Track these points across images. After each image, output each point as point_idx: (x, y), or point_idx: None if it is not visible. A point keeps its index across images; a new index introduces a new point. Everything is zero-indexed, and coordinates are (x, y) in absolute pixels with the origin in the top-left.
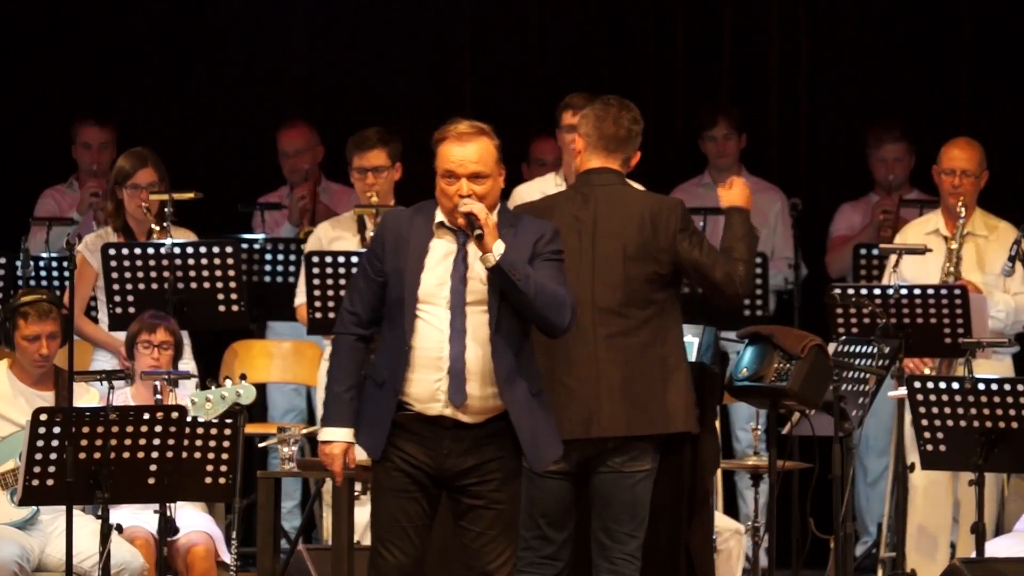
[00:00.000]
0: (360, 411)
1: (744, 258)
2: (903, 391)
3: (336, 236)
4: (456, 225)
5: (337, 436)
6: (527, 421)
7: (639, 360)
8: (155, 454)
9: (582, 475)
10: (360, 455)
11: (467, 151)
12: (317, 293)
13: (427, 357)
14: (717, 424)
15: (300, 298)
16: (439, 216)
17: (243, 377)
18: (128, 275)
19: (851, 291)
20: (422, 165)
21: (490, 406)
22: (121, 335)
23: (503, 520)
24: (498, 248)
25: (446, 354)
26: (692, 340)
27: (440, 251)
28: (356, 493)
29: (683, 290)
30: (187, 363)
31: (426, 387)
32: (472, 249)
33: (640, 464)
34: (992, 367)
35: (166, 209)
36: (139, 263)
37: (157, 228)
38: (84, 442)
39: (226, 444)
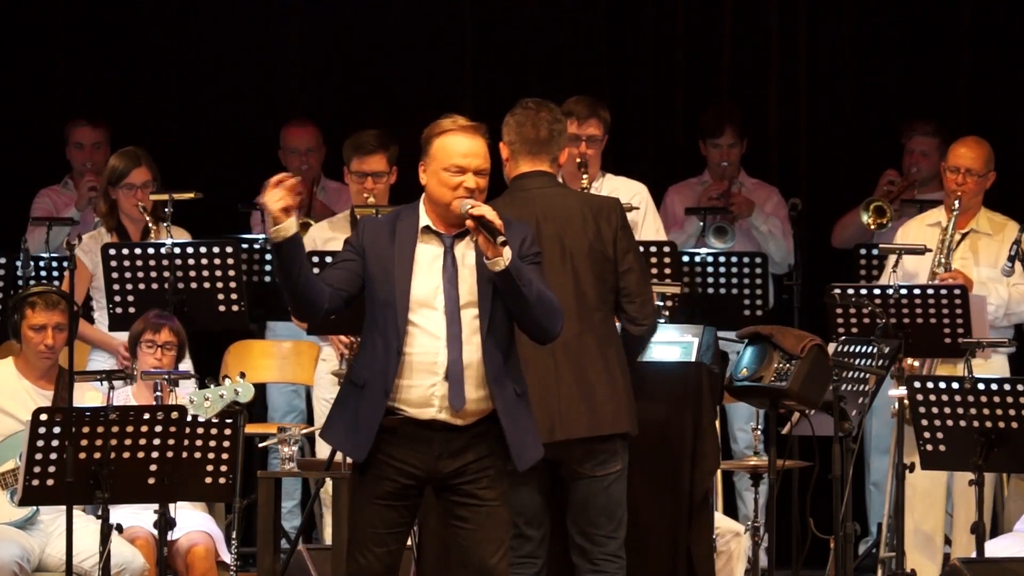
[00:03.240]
0: (334, 414)
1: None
2: (903, 391)
3: (331, 237)
4: (455, 216)
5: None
6: (514, 422)
7: (594, 361)
8: (155, 454)
9: (550, 471)
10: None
11: (475, 145)
12: None
13: (422, 362)
14: (717, 424)
15: None
16: (425, 220)
17: (242, 375)
18: (128, 275)
19: (851, 291)
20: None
21: (482, 408)
22: (118, 334)
23: (496, 517)
24: (508, 253)
25: (443, 359)
26: (692, 340)
27: (428, 256)
28: None
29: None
30: (184, 363)
31: (420, 392)
32: (460, 252)
33: (610, 466)
34: (987, 366)
35: (167, 209)
36: (139, 263)
37: (154, 227)
38: (84, 442)
39: (226, 444)
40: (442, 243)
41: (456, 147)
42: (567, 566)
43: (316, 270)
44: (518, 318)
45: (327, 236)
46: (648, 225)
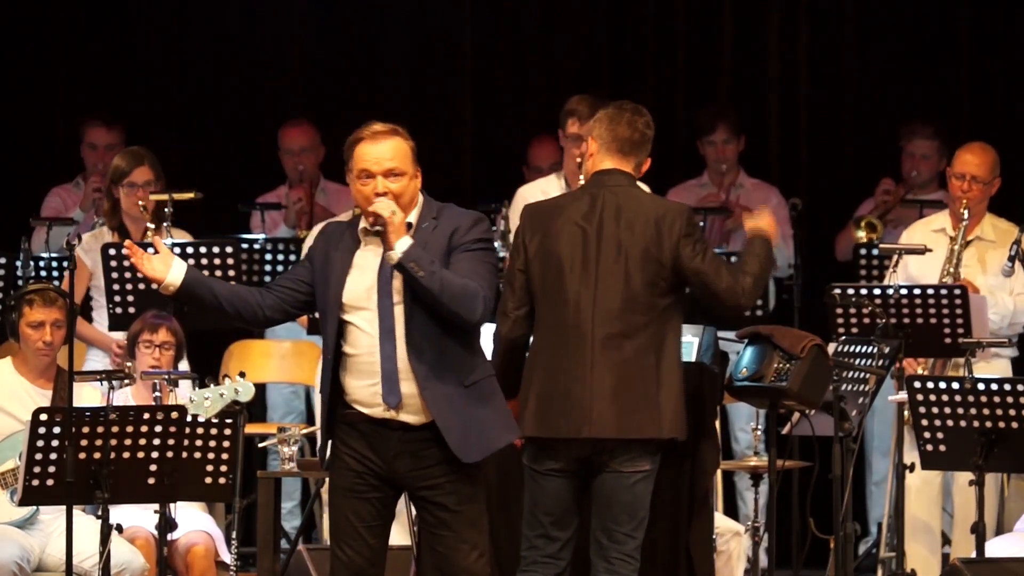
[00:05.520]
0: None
1: (755, 273)
2: (904, 395)
3: None
4: (373, 226)
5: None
6: (454, 416)
7: (634, 364)
8: (155, 454)
9: (583, 473)
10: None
11: (381, 149)
12: None
13: (363, 362)
14: (717, 424)
15: None
16: (363, 222)
17: (242, 375)
18: (128, 275)
19: (851, 291)
20: (422, 165)
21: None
22: (116, 334)
23: (466, 520)
24: (400, 245)
25: (377, 356)
26: (692, 340)
27: (368, 257)
28: None
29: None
30: (181, 363)
31: (365, 392)
32: None
33: (639, 465)
34: (989, 369)
35: (166, 209)
36: None
37: (153, 227)
38: (84, 442)
39: (226, 444)
40: (382, 243)
41: (364, 154)
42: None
43: None
44: (432, 308)
45: None
46: None
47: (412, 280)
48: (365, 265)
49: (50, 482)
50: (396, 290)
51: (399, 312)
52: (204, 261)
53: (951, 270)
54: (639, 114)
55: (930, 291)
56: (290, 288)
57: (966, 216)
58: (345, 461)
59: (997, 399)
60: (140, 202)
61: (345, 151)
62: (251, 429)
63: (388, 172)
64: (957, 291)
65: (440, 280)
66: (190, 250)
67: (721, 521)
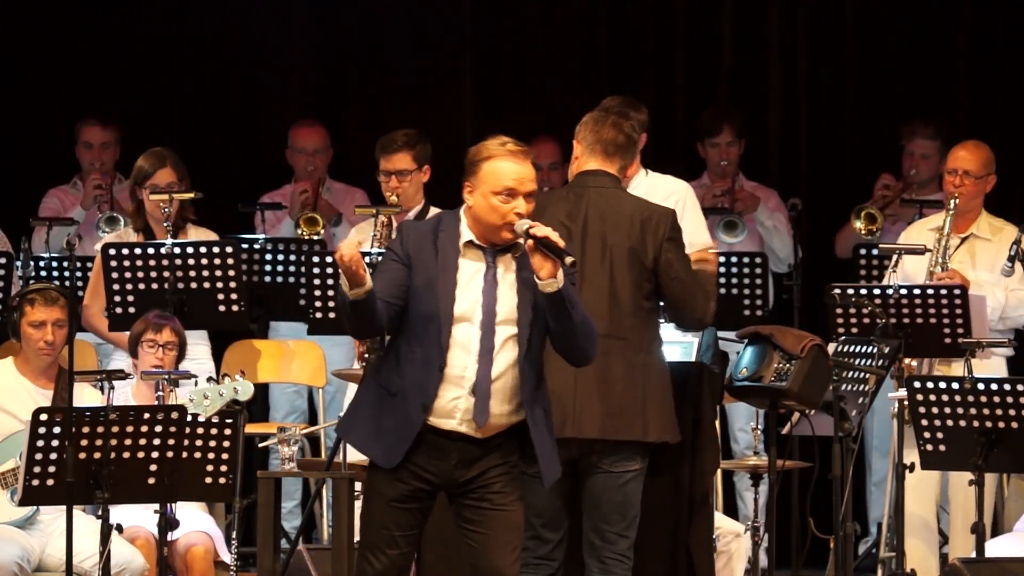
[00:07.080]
0: (358, 416)
1: (714, 294)
2: (903, 392)
3: (361, 239)
4: (501, 241)
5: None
6: (541, 440)
7: (620, 365)
8: (155, 454)
9: (572, 474)
10: (353, 455)
11: (527, 170)
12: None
13: (452, 375)
14: (717, 424)
15: None
16: (468, 234)
17: (242, 373)
18: (128, 275)
19: (851, 291)
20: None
21: (503, 423)
22: (120, 335)
23: (511, 521)
24: (561, 274)
25: (472, 373)
26: (692, 340)
27: (469, 270)
28: (356, 493)
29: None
30: (204, 362)
31: (444, 403)
32: (501, 268)
33: (629, 464)
34: (985, 367)
35: (166, 209)
36: (139, 263)
37: (170, 229)
38: (84, 442)
39: (226, 444)
40: (484, 258)
41: (507, 172)
42: (580, 570)
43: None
44: (560, 340)
45: (356, 239)
46: (685, 225)
47: (560, 310)
48: (470, 278)
49: (50, 482)
50: (501, 309)
51: (501, 331)
52: (204, 261)
53: (940, 259)
54: (624, 117)
55: (930, 291)
56: (398, 299)
57: (952, 205)
58: (398, 473)
59: (997, 399)
60: (162, 204)
61: (472, 162)
62: (252, 429)
63: (529, 193)
64: (957, 291)
65: (582, 314)
66: (190, 250)
67: (722, 522)
